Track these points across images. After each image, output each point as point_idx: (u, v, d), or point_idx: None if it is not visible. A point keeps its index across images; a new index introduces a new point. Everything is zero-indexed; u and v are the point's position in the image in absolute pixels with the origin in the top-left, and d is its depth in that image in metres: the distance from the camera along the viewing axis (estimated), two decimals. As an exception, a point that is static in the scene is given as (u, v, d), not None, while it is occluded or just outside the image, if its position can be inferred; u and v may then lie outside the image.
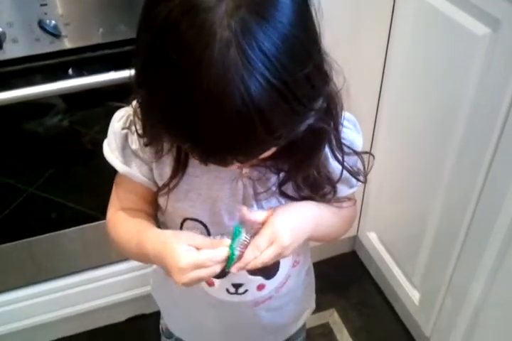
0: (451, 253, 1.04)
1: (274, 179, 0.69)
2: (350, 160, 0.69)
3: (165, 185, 0.69)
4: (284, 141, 0.53)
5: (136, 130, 0.65)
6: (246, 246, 0.63)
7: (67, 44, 0.92)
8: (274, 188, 0.69)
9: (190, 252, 0.61)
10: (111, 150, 0.69)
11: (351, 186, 0.74)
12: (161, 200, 0.72)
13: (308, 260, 0.88)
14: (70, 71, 0.97)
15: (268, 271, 0.76)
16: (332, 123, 0.62)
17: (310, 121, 0.54)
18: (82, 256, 1.24)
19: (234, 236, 0.62)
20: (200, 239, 0.64)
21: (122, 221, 0.72)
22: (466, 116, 0.91)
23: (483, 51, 0.85)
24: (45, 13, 0.88)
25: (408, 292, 1.26)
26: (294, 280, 0.82)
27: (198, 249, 0.62)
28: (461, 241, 1.01)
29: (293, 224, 0.66)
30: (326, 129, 0.60)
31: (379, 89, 1.16)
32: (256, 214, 0.65)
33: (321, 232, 0.72)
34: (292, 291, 0.83)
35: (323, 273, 1.00)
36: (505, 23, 0.80)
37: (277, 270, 0.77)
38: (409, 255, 1.23)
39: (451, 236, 1.02)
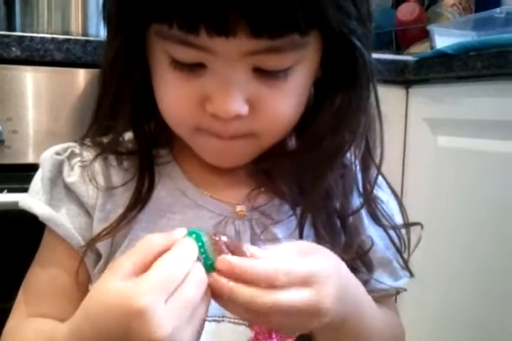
0: None
1: (284, 216, 0.53)
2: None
3: (119, 220, 0.51)
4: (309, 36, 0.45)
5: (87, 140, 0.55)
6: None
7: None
8: (285, 233, 0.53)
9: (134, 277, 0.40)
10: (32, 194, 0.53)
11: (395, 277, 0.56)
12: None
13: None
14: None
15: None
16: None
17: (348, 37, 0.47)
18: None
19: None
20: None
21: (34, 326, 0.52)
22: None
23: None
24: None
25: None
26: None
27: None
28: None
29: (341, 278, 0.44)
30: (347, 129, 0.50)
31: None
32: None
33: (357, 327, 0.48)
34: None
35: None
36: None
37: None
38: None
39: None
